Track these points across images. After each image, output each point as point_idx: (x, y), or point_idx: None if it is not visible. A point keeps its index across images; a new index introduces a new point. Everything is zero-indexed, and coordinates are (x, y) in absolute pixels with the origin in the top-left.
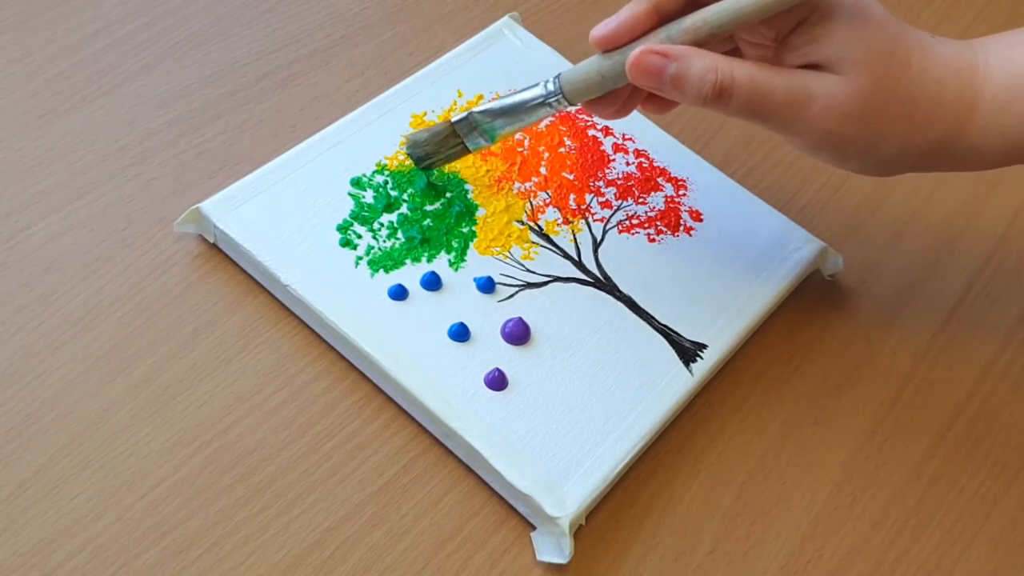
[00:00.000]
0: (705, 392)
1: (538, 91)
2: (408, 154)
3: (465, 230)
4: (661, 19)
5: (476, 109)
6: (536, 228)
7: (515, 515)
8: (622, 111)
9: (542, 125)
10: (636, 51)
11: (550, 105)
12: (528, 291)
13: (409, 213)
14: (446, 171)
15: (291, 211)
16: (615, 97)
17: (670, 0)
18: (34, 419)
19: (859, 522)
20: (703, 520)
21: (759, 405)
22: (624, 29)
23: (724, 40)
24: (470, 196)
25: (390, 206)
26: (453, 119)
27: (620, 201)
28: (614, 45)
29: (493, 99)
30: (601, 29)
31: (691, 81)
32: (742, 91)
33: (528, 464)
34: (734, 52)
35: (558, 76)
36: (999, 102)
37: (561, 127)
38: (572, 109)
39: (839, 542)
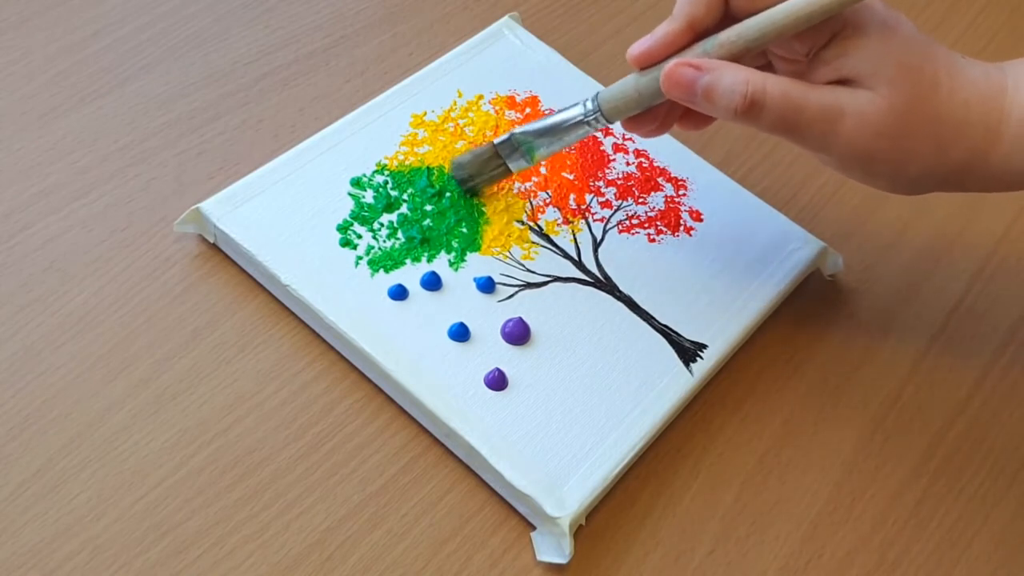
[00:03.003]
0: (705, 392)
1: (577, 110)
2: (453, 176)
3: (465, 230)
4: (696, 36)
5: (517, 130)
6: (536, 228)
7: (515, 515)
8: (660, 128)
9: None
10: (669, 64)
11: (589, 124)
12: (528, 291)
13: (409, 213)
14: (446, 172)
15: (291, 211)
16: (653, 114)
17: (705, 16)
18: (34, 419)
19: (859, 522)
20: (703, 520)
21: (759, 405)
22: (660, 46)
23: (757, 57)
24: (474, 199)
25: (390, 206)
26: (495, 141)
27: (620, 201)
28: (650, 62)
29: (524, 103)
30: (638, 47)
31: (722, 93)
32: (774, 104)
33: (528, 464)
34: (767, 69)
35: (597, 95)
36: None
37: None
38: (611, 127)
39: (839, 542)
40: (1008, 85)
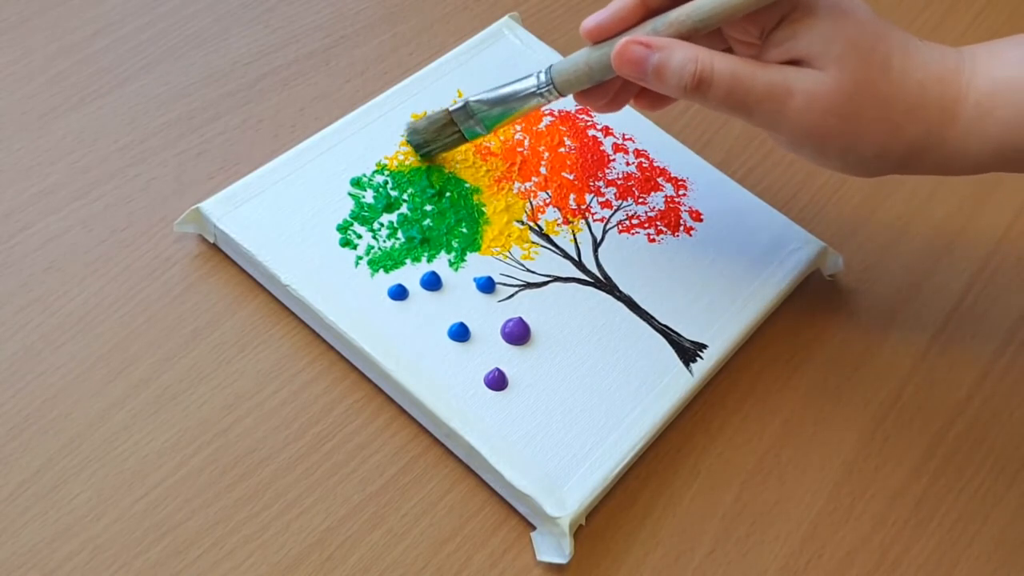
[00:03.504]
0: (705, 392)
1: (531, 81)
2: (407, 141)
3: (465, 230)
4: (649, 13)
5: (472, 98)
6: (536, 228)
7: (515, 515)
8: (613, 104)
9: (542, 125)
10: (621, 41)
11: (542, 95)
12: (528, 291)
13: (409, 213)
14: (446, 172)
15: (291, 211)
16: (605, 89)
17: None
18: (34, 419)
19: (859, 522)
20: (703, 520)
21: (759, 405)
22: (613, 21)
23: (715, 38)
24: (474, 199)
25: (390, 206)
26: (450, 108)
27: (620, 201)
28: (603, 37)
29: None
30: (591, 21)
31: (672, 71)
32: (722, 82)
33: (528, 464)
34: (727, 52)
35: (550, 67)
36: (982, 107)
37: (561, 127)
38: (560, 99)
39: (839, 542)
40: (964, 67)
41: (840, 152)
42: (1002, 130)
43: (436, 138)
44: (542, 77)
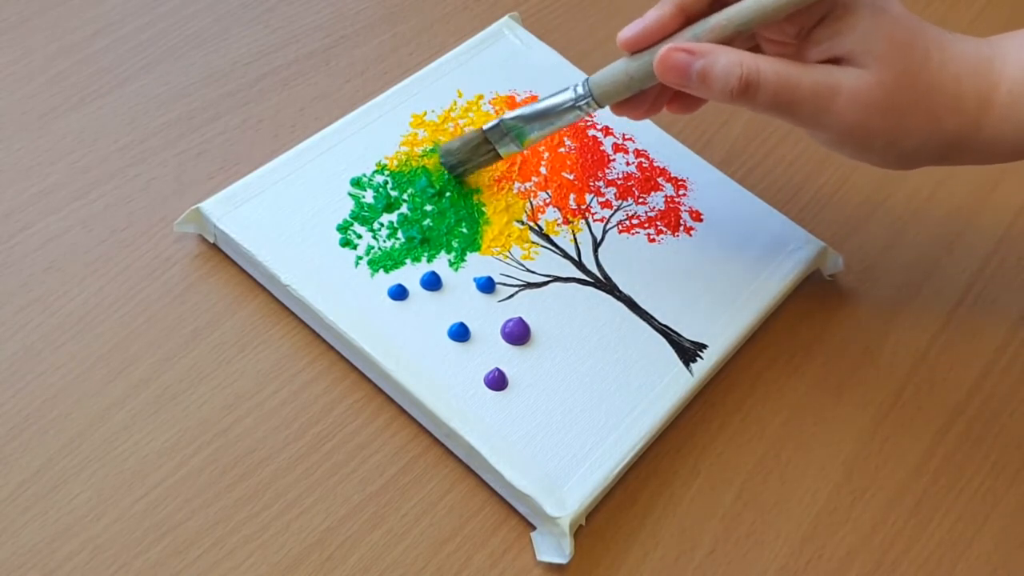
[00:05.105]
0: (705, 392)
1: (568, 95)
2: (441, 163)
3: (465, 230)
4: (687, 20)
5: (507, 116)
6: (536, 228)
7: (515, 515)
8: (650, 111)
9: None
10: (663, 49)
11: (580, 108)
12: (528, 291)
13: (409, 213)
14: (446, 172)
15: (291, 211)
16: (644, 98)
17: (695, 0)
18: (34, 419)
19: (859, 522)
20: (703, 520)
21: (759, 405)
22: (650, 30)
23: (746, 40)
24: (474, 199)
25: (390, 206)
26: (485, 127)
27: (620, 201)
28: (641, 46)
29: (524, 102)
30: (628, 31)
31: (717, 76)
32: (769, 85)
33: (528, 464)
34: (756, 51)
35: (587, 80)
36: (1015, 95)
37: None
38: (599, 111)
39: (839, 542)
40: (996, 57)
41: (883, 147)
42: None
43: (470, 158)
44: (579, 90)
